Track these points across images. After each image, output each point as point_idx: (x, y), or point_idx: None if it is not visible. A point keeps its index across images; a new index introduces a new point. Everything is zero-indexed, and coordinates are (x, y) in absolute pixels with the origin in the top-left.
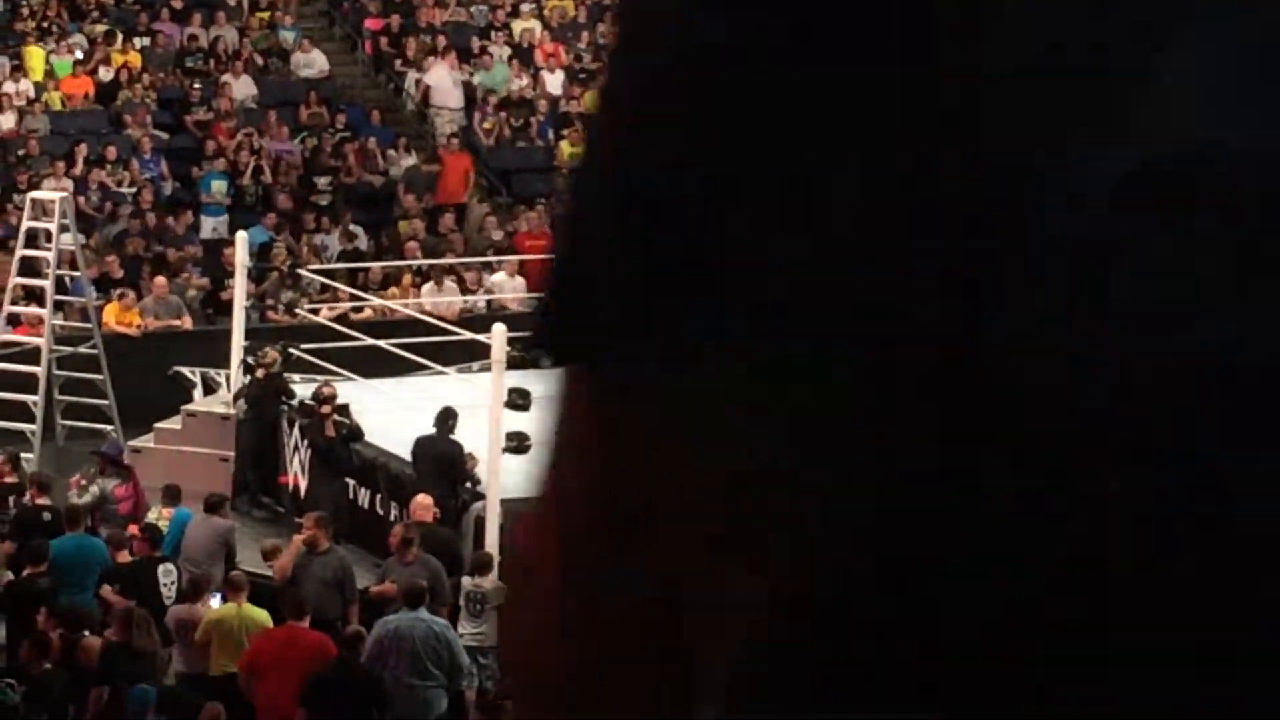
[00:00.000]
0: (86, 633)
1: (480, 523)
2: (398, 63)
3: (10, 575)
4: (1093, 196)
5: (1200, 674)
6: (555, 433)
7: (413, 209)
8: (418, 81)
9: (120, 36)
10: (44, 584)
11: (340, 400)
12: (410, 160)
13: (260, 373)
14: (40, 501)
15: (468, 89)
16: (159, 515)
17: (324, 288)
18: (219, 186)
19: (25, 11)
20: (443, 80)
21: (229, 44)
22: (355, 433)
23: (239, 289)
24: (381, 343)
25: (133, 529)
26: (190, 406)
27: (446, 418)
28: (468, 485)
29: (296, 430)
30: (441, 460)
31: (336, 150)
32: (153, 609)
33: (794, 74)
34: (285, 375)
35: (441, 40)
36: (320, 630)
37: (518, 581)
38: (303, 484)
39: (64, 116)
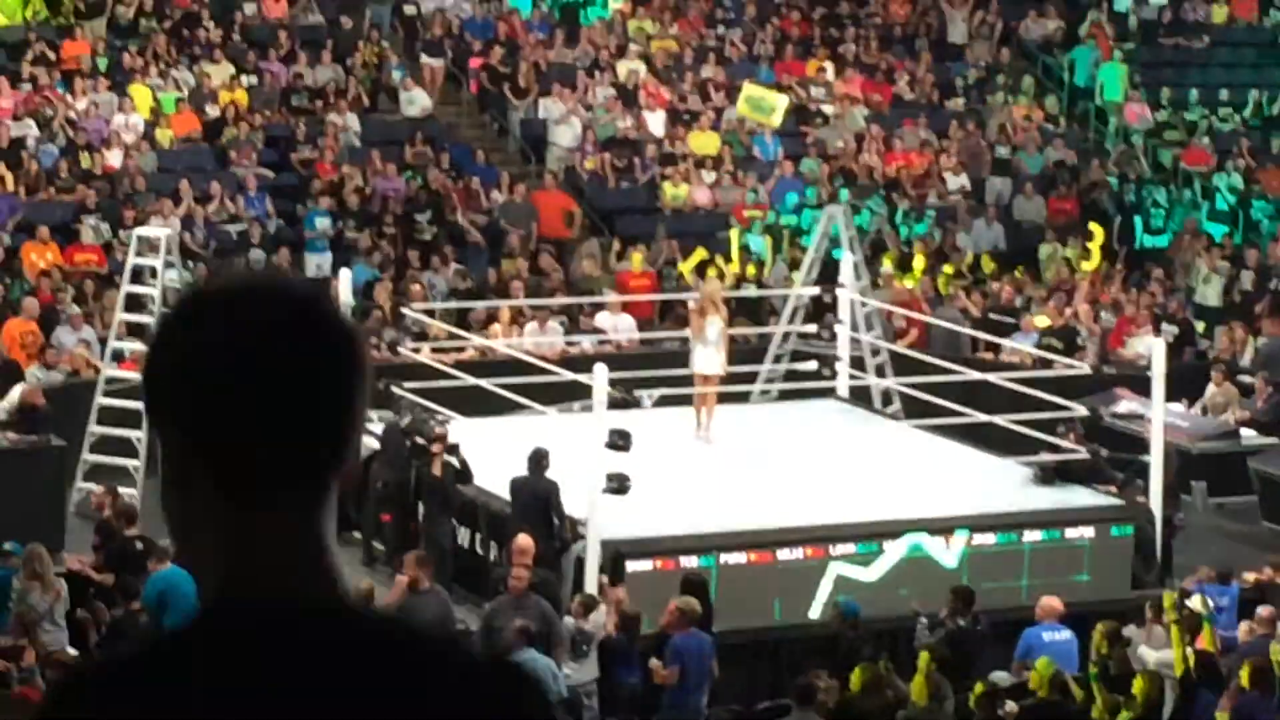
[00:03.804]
0: None
1: (580, 564)
2: (505, 99)
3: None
4: None
5: None
6: None
7: (517, 248)
8: (530, 118)
9: (228, 74)
10: (144, 620)
11: (451, 440)
12: (512, 198)
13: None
14: (130, 532)
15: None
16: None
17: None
18: (323, 224)
19: (134, 49)
20: (564, 116)
21: (336, 82)
22: (465, 474)
23: None
24: (483, 382)
25: None
26: None
27: (539, 458)
28: (563, 524)
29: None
30: (539, 500)
31: (441, 188)
32: None
33: None
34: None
35: (549, 80)
36: None
37: None
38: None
39: (170, 154)
